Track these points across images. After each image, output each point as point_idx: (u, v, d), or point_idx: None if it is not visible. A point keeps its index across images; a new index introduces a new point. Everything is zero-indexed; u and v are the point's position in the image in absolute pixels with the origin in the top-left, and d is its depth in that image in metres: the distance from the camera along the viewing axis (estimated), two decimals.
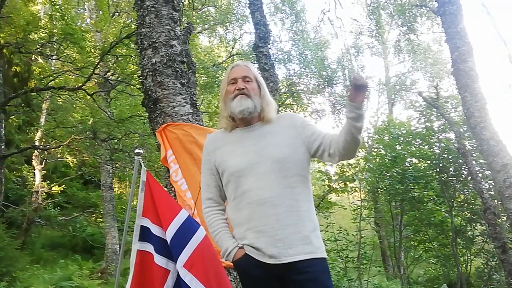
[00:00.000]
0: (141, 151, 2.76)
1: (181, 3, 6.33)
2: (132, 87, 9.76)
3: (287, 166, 1.79)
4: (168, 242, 2.30)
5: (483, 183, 7.69)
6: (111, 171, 10.76)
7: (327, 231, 8.24)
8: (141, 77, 3.62)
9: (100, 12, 11.21)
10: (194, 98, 3.80)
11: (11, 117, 9.73)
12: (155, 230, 2.40)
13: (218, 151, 1.93)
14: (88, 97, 8.91)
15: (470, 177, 7.89)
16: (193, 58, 7.05)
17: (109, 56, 8.83)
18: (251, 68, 1.98)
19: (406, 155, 9.47)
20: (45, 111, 11.28)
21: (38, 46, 8.44)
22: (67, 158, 13.08)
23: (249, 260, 1.76)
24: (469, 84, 6.75)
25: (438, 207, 8.95)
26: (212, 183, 1.95)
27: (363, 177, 9.22)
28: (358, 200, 9.25)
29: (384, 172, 9.43)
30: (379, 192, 10.52)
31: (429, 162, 9.20)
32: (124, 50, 9.09)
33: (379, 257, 11.96)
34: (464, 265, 8.95)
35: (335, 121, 17.15)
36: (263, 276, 1.75)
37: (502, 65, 35.38)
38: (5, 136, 8.75)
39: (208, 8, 14.29)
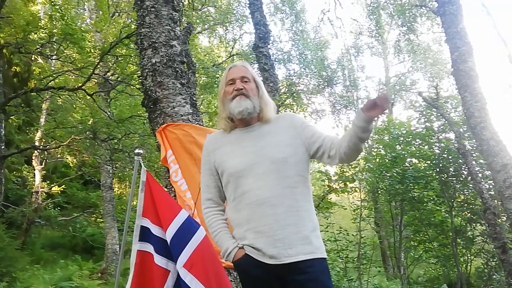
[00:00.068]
0: (141, 151, 2.76)
1: (181, 3, 6.33)
2: (132, 87, 9.76)
3: (286, 166, 1.79)
4: (168, 242, 2.30)
5: (483, 183, 7.69)
6: (111, 171, 10.76)
7: (327, 231, 8.24)
8: (141, 77, 3.62)
9: (100, 12, 11.22)
10: (194, 98, 3.80)
11: (11, 117, 9.73)
12: (155, 230, 2.40)
13: (217, 151, 1.93)
14: (88, 97, 8.92)
15: (470, 177, 7.88)
16: (193, 58, 7.05)
17: (109, 56, 8.82)
18: (248, 68, 1.97)
19: (406, 155, 9.46)
20: (45, 111, 11.28)
21: (38, 46, 8.44)
22: (67, 158, 13.07)
23: (249, 260, 1.76)
24: (469, 84, 6.75)
25: (438, 207, 8.94)
26: (212, 183, 1.95)
27: (363, 177, 9.21)
28: (358, 200, 9.24)
29: (384, 172, 9.43)
30: (379, 192, 10.52)
31: (429, 162, 9.19)
32: (124, 50, 9.08)
33: (379, 257, 11.96)
34: (464, 265, 8.94)
35: (335, 121, 17.22)
36: (263, 276, 1.75)
37: (502, 65, 35.43)
38: (5, 136, 8.74)
39: (208, 8, 14.30)
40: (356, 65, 18.77)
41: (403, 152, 9.50)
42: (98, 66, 8.63)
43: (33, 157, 11.17)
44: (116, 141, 9.55)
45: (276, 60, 14.12)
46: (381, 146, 10.25)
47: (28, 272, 7.54)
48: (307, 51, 15.10)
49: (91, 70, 8.24)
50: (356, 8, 30.73)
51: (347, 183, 7.78)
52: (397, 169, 9.01)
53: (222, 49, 17.10)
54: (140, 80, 3.69)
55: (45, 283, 7.12)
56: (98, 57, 8.48)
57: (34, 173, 11.49)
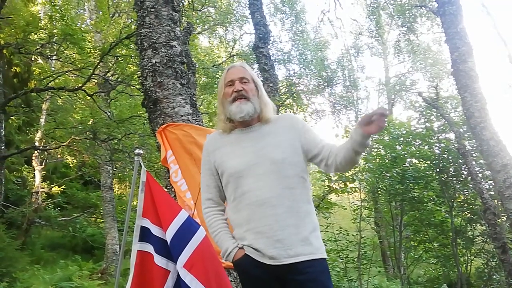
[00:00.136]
0: (141, 151, 2.76)
1: (181, 4, 6.32)
2: (132, 87, 9.77)
3: (286, 167, 1.79)
4: (168, 242, 2.30)
5: (483, 183, 7.69)
6: (111, 171, 10.76)
7: (327, 231, 8.24)
8: (141, 78, 3.62)
9: (100, 12, 11.22)
10: (194, 99, 3.80)
11: (11, 117, 9.73)
12: (155, 230, 2.40)
13: (217, 151, 1.93)
14: (88, 97, 8.92)
15: (470, 177, 7.88)
16: (193, 59, 7.05)
17: (109, 57, 8.83)
18: (247, 68, 1.97)
19: (406, 155, 9.45)
20: (45, 111, 11.28)
21: (38, 47, 8.44)
22: (67, 159, 13.07)
23: (249, 261, 1.76)
24: (469, 85, 6.76)
25: (438, 208, 8.94)
26: (212, 183, 1.95)
27: (363, 178, 9.21)
28: (358, 201, 9.23)
29: (384, 172, 9.42)
30: (379, 192, 10.52)
31: (429, 162, 9.19)
32: (124, 51, 9.10)
33: (379, 257, 11.96)
34: (464, 265, 8.94)
35: (335, 121, 17.22)
36: (263, 276, 1.75)
37: (502, 65, 35.41)
38: (5, 136, 8.74)
39: (208, 8, 14.29)
40: (356, 65, 18.80)
41: (403, 152, 9.49)
42: (98, 66, 8.64)
43: (33, 158, 11.17)
44: (116, 141, 9.55)
45: (276, 60, 14.13)
46: (381, 146, 10.24)
47: (28, 272, 7.54)
48: (307, 51, 15.11)
49: (91, 71, 8.25)
50: (356, 8, 30.72)
51: (347, 183, 7.77)
52: (397, 169, 9.01)
53: (222, 50, 17.11)
54: (140, 81, 3.70)
55: (45, 283, 7.12)
56: (98, 58, 8.48)
57: (34, 173, 11.49)
